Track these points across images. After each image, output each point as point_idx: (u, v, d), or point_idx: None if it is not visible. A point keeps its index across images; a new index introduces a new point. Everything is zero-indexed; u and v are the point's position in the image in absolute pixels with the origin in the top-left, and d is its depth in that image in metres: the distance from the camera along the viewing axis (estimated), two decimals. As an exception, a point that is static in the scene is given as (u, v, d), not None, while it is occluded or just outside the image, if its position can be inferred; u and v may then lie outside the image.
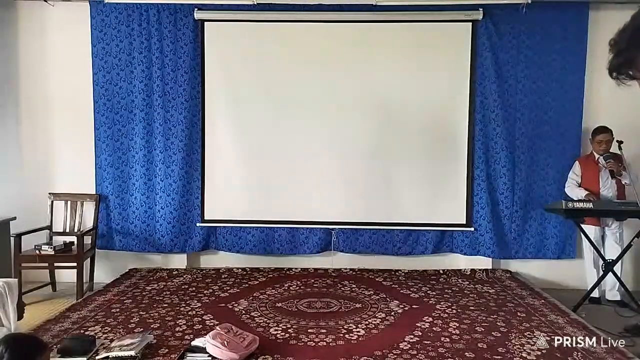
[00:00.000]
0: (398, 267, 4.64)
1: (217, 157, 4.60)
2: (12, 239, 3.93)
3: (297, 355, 2.82)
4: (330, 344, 2.99)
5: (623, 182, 3.98)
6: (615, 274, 3.83)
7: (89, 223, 4.50)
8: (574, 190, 4.17)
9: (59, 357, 2.69)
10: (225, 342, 2.72)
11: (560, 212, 3.80)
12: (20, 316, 3.01)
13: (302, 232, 4.66)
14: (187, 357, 2.72)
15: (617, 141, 3.96)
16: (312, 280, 4.33)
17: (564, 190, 4.31)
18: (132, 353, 2.68)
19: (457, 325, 3.30)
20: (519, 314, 3.53)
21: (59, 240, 4.32)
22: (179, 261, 4.67)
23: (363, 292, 4.04)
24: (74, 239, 4.15)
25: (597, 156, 4.16)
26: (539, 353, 2.87)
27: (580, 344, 2.98)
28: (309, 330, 3.18)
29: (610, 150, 4.05)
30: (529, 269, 4.63)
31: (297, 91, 4.54)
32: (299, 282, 4.27)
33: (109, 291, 3.99)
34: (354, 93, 4.52)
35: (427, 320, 3.38)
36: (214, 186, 4.61)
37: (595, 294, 3.97)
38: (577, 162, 4.29)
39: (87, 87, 4.51)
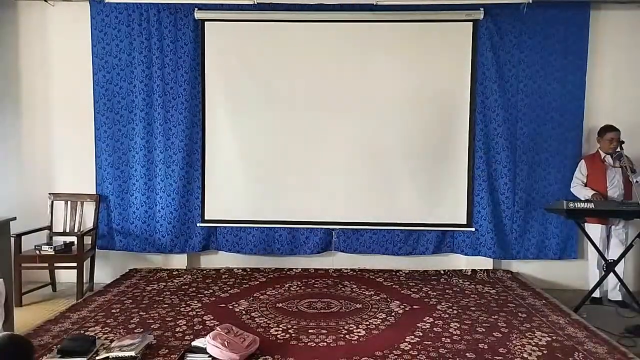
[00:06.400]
0: (399, 268, 4.63)
1: (217, 157, 4.59)
2: (12, 239, 3.91)
3: (297, 355, 2.81)
4: (331, 344, 2.98)
5: (636, 179, 3.84)
6: (616, 274, 3.82)
7: (89, 223, 4.50)
8: (581, 191, 4.16)
9: (59, 357, 2.68)
10: (226, 343, 2.71)
11: (562, 212, 3.78)
12: (6, 318, 2.88)
13: (302, 232, 4.65)
14: (188, 358, 2.72)
15: (620, 141, 3.96)
16: (313, 281, 4.32)
17: (566, 190, 4.33)
18: (132, 353, 2.67)
19: (458, 325, 3.30)
20: (520, 314, 3.52)
21: (59, 240, 4.32)
22: (179, 261, 4.67)
23: (363, 292, 4.03)
24: (74, 239, 4.15)
25: (603, 155, 4.15)
26: (540, 353, 2.86)
27: (582, 344, 2.98)
28: (309, 331, 3.17)
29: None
30: (530, 269, 4.62)
31: (297, 91, 4.53)
32: (299, 283, 4.26)
33: (109, 291, 3.98)
34: (354, 93, 4.51)
35: (427, 321, 3.37)
36: (214, 186, 4.60)
37: (597, 294, 3.95)
38: (582, 161, 4.28)
39: (87, 87, 4.51)
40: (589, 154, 4.36)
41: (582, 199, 4.02)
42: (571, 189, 4.28)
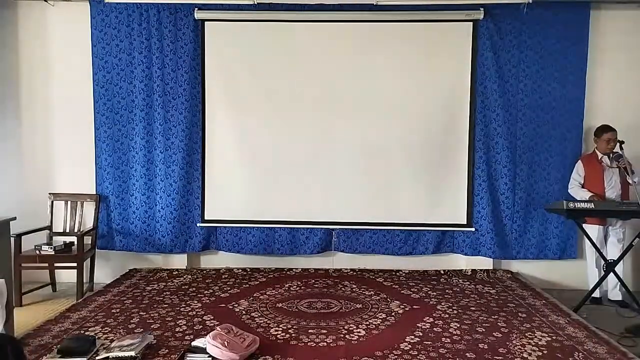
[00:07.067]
0: (399, 268, 4.63)
1: (217, 157, 4.59)
2: (12, 239, 3.91)
3: (297, 355, 2.81)
4: (331, 344, 2.98)
5: (633, 180, 3.83)
6: (616, 274, 3.82)
7: (89, 223, 4.50)
8: (578, 192, 4.16)
9: (59, 357, 2.68)
10: (226, 343, 2.71)
11: (562, 212, 3.78)
12: (7, 318, 2.85)
13: (302, 232, 4.65)
14: (187, 358, 2.72)
15: (619, 141, 3.96)
16: (313, 281, 4.32)
17: (566, 190, 4.32)
18: (132, 353, 2.67)
19: (458, 325, 3.30)
20: (520, 314, 3.52)
21: (59, 240, 4.32)
22: (179, 261, 4.67)
23: (363, 292, 4.03)
24: (74, 239, 4.15)
25: (600, 155, 4.15)
26: (540, 353, 2.86)
27: (582, 344, 2.98)
28: (309, 331, 3.17)
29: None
30: (530, 269, 4.62)
31: (297, 91, 4.53)
32: (299, 283, 4.26)
33: (109, 291, 3.98)
34: (354, 93, 4.51)
35: (427, 321, 3.37)
36: (214, 186, 4.60)
37: (597, 294, 3.95)
38: (579, 162, 4.28)
39: (87, 87, 4.51)
40: (586, 155, 4.36)
41: (579, 199, 4.02)
42: (569, 191, 4.28)
